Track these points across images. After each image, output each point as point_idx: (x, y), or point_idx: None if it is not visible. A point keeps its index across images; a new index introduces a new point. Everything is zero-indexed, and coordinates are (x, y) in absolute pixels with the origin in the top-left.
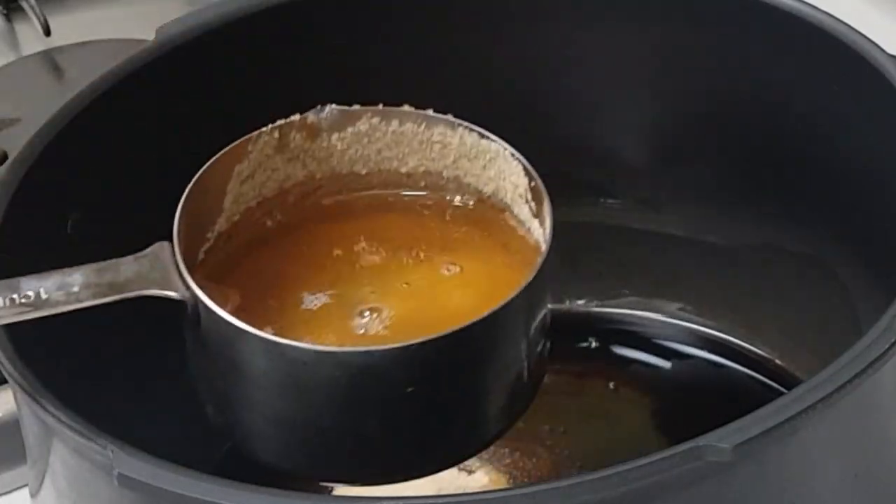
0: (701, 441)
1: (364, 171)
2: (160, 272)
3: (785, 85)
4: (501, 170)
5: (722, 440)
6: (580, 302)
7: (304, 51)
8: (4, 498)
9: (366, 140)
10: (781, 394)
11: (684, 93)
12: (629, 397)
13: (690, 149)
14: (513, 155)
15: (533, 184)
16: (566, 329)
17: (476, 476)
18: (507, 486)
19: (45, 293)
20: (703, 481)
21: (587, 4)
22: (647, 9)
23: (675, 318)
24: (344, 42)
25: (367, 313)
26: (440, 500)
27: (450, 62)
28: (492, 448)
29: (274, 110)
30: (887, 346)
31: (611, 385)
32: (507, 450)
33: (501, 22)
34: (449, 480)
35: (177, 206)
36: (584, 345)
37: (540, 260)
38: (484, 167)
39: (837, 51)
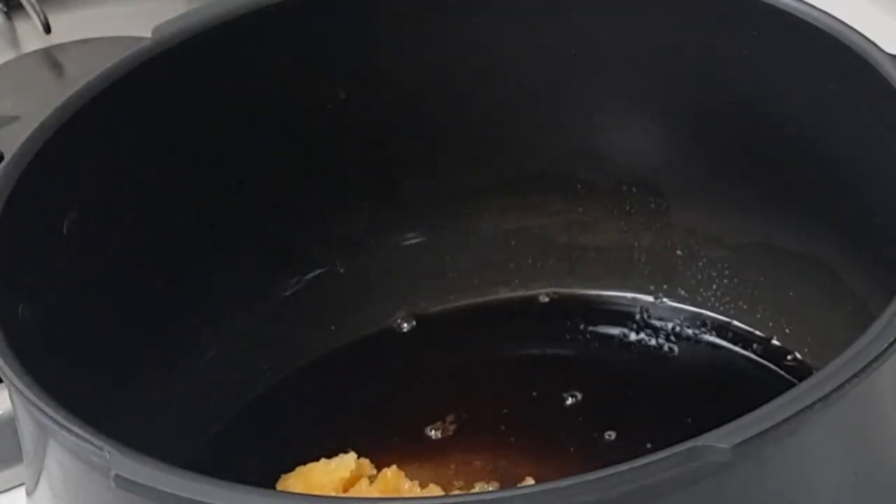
0: (700, 441)
1: None
2: None
3: (783, 84)
4: None
5: (721, 440)
6: (581, 291)
7: (302, 49)
8: (2, 496)
9: None
10: (779, 376)
11: (683, 93)
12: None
13: (690, 148)
14: None
15: None
16: (566, 315)
17: None
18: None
19: None
20: (703, 481)
21: (591, 3)
22: (647, 8)
23: (676, 305)
24: (343, 41)
25: None
26: (440, 500)
27: (453, 60)
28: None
29: (272, 108)
30: (886, 345)
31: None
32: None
33: (506, 17)
34: None
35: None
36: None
37: None
38: None
39: (836, 50)
